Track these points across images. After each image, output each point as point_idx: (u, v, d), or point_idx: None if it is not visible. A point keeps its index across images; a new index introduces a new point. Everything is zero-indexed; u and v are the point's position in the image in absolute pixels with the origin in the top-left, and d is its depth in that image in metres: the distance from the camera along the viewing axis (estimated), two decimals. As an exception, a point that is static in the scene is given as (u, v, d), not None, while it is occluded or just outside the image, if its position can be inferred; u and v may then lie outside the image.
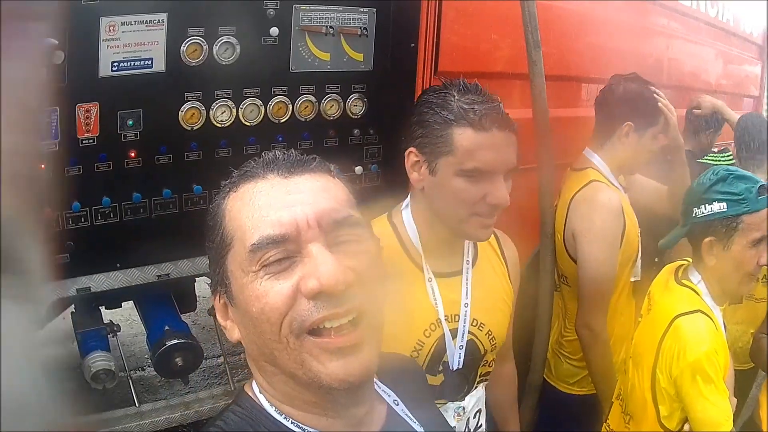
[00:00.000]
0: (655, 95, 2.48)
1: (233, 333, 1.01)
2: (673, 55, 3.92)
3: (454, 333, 1.66)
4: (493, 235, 1.78)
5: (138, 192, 1.85)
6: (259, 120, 1.99)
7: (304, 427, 0.97)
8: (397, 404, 1.12)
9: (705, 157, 3.71)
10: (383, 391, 1.11)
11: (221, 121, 1.92)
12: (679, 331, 2.02)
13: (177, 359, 2.18)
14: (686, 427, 2.07)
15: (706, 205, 2.07)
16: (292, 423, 0.98)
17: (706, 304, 2.07)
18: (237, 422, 0.99)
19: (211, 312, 2.44)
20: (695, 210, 2.10)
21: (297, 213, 0.91)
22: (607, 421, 2.35)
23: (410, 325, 1.61)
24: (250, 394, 1.03)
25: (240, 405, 1.02)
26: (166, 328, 2.20)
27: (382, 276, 1.01)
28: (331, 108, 2.14)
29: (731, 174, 2.11)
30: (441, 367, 1.66)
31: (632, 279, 2.54)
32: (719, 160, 3.70)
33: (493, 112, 1.52)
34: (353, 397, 0.96)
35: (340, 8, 2.04)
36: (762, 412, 2.65)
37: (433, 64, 2.35)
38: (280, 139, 2.07)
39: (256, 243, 0.90)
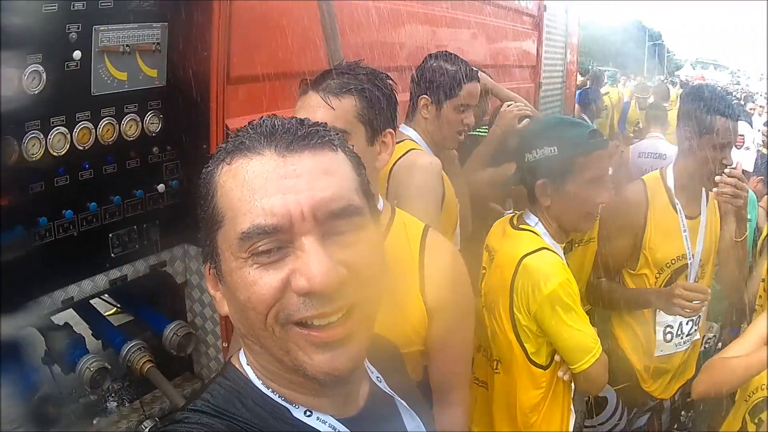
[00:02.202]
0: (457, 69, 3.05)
1: (222, 306, 1.12)
2: (439, 41, 4.52)
3: None
4: (420, 236, 1.99)
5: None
6: (66, 149, 2.29)
7: (291, 401, 1.12)
8: (380, 381, 1.29)
9: (476, 130, 4.54)
10: (367, 366, 1.26)
11: (32, 154, 2.18)
12: (529, 269, 2.43)
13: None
14: (557, 358, 2.51)
15: (538, 149, 2.52)
16: (279, 397, 1.12)
17: (546, 243, 2.52)
18: (223, 395, 1.11)
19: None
20: (527, 155, 2.56)
21: (291, 203, 0.99)
22: (474, 375, 2.73)
23: None
24: (236, 365, 1.16)
25: (226, 377, 1.15)
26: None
27: (380, 264, 1.12)
28: (130, 128, 2.51)
29: (562, 121, 2.62)
30: None
31: None
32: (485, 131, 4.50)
33: (312, 77, 1.96)
34: (340, 383, 1.08)
35: (135, 25, 2.40)
36: (622, 343, 3.30)
37: (225, 71, 2.76)
38: (86, 166, 2.39)
39: (246, 231, 0.99)
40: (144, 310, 3.01)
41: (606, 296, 3.27)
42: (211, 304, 2.93)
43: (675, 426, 3.82)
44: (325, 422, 1.13)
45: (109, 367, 2.58)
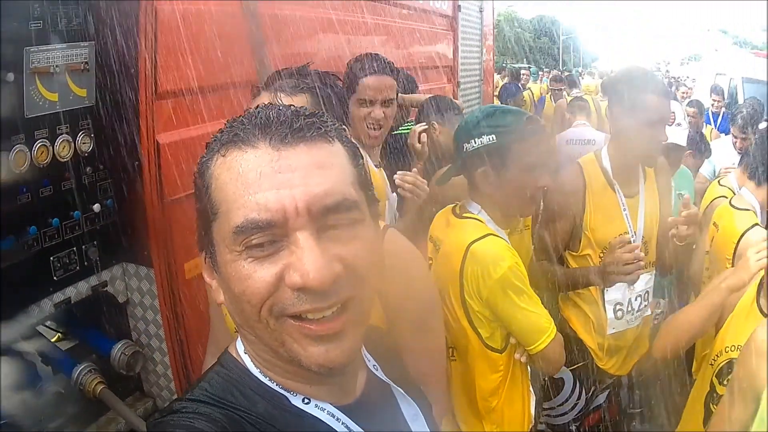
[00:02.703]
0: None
1: (218, 295, 1.15)
2: (354, 49, 4.65)
3: None
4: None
5: None
6: (4, 174, 2.32)
7: (289, 389, 1.16)
8: (377, 369, 1.34)
9: (400, 128, 4.61)
10: (364, 354, 1.32)
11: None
12: (477, 255, 2.51)
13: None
14: (512, 340, 2.61)
15: (476, 138, 2.62)
16: (277, 385, 1.16)
17: (491, 229, 2.62)
18: (221, 384, 1.15)
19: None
20: (465, 145, 2.66)
21: (285, 198, 1.02)
22: None
23: None
24: (234, 354, 1.21)
25: (224, 366, 1.19)
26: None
27: (376, 258, 1.15)
28: (63, 149, 2.56)
29: (497, 109, 2.71)
30: None
31: None
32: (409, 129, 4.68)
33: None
34: (335, 374, 1.12)
35: (64, 45, 2.47)
36: (573, 325, 3.45)
37: (153, 86, 2.85)
38: (24, 190, 2.44)
39: (240, 226, 1.02)
40: (88, 332, 3.04)
41: (548, 278, 3.39)
42: (155, 321, 3.00)
43: (630, 405, 4.02)
44: (323, 409, 1.17)
45: (63, 391, 2.63)
